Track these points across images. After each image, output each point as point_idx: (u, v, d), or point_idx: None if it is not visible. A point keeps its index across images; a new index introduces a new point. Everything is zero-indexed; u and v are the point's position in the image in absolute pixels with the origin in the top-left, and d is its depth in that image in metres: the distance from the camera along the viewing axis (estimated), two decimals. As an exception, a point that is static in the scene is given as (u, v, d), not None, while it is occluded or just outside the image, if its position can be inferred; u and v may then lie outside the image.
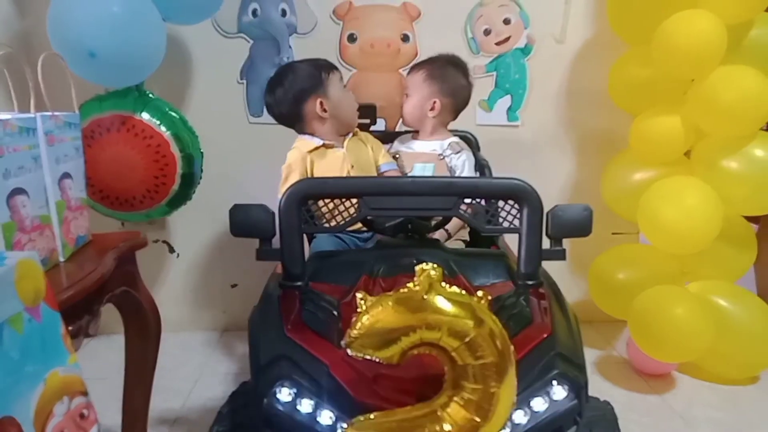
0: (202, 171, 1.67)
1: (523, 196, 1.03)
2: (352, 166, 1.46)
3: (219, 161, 1.82)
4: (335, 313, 0.95)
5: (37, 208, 0.86)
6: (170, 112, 1.57)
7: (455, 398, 0.74)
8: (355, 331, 0.74)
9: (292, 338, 0.92)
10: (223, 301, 2.02)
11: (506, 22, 1.85)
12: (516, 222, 1.06)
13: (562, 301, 1.07)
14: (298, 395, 0.84)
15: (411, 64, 1.83)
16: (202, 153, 1.66)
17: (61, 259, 0.94)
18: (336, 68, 1.50)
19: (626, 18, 1.68)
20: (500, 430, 0.75)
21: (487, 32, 1.85)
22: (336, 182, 1.13)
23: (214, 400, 1.58)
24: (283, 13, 1.80)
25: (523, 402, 0.84)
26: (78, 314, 0.89)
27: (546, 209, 1.06)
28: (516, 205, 1.05)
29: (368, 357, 0.74)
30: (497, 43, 1.86)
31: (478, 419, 0.73)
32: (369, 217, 1.13)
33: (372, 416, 0.76)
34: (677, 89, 1.61)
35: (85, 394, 0.55)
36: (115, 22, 1.29)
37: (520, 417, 0.83)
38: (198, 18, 1.56)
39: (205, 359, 1.83)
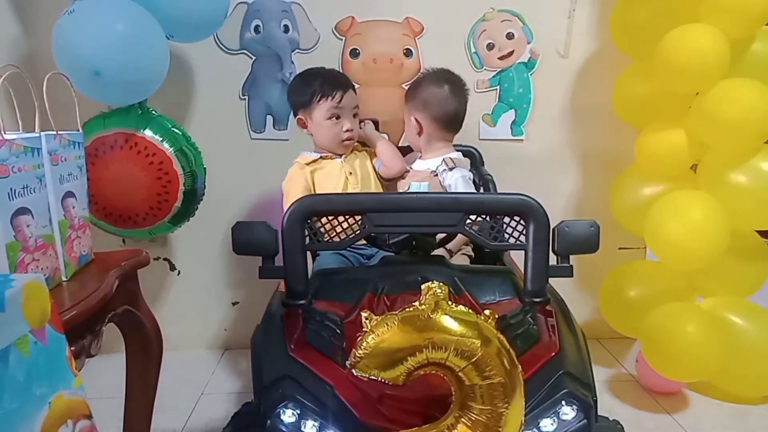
0: (204, 187, 1.67)
1: (530, 212, 1.02)
2: (351, 173, 1.46)
3: (221, 177, 1.82)
4: (339, 332, 0.94)
5: (41, 228, 0.85)
6: (173, 129, 1.57)
7: (462, 419, 0.72)
8: (360, 351, 0.72)
9: (295, 358, 0.90)
10: (224, 319, 2.01)
11: (509, 36, 1.85)
12: (522, 238, 1.04)
13: (569, 318, 1.05)
14: (302, 416, 0.82)
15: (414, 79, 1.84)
16: (204, 169, 1.66)
17: (64, 279, 0.93)
18: (338, 91, 1.45)
19: (628, 32, 1.68)
20: (510, 452, 0.73)
21: (490, 47, 1.85)
22: (339, 198, 1.12)
23: (216, 420, 1.56)
24: (286, 29, 1.80)
25: (531, 423, 0.82)
26: (80, 334, 0.88)
27: (552, 225, 1.05)
28: (522, 221, 1.04)
29: (374, 378, 0.72)
30: (500, 58, 1.86)
31: (486, 441, 0.71)
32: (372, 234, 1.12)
33: (377, 439, 0.74)
34: (681, 103, 1.60)
35: (89, 417, 0.54)
36: (120, 41, 1.30)
37: (529, 438, 0.81)
38: (201, 35, 1.57)
39: (207, 378, 1.81)
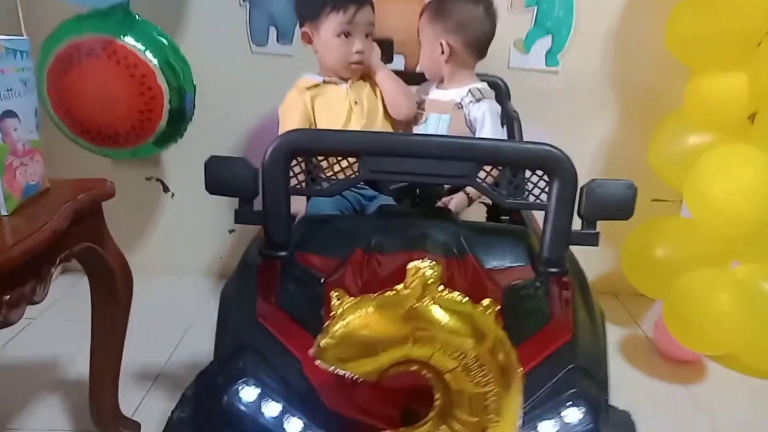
0: (194, 106, 1.52)
1: (556, 166, 0.86)
2: (356, 103, 1.28)
3: (217, 94, 1.66)
4: (317, 295, 0.81)
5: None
6: (159, 38, 1.40)
7: (442, 427, 0.60)
8: (326, 339, 0.59)
9: (263, 324, 0.78)
10: (221, 246, 1.91)
11: (554, -53, 1.58)
12: (543, 196, 0.88)
13: (588, 295, 0.91)
14: (263, 395, 0.71)
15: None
16: (194, 86, 1.50)
17: (4, 213, 0.81)
18: (352, 5, 1.23)
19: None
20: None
21: (530, -41, 1.60)
22: (331, 136, 0.95)
23: (201, 355, 1.48)
24: (296, -75, 1.56)
25: (528, 423, 0.70)
26: (20, 279, 0.77)
27: (580, 178, 0.88)
28: (545, 177, 0.88)
29: (341, 371, 0.60)
30: (541, -27, 1.61)
31: (470, 456, 0.59)
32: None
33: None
34: (746, 42, 1.36)
35: None
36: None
37: (526, 443, 0.69)
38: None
39: (198, 307, 1.73)
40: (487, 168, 0.90)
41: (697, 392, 1.47)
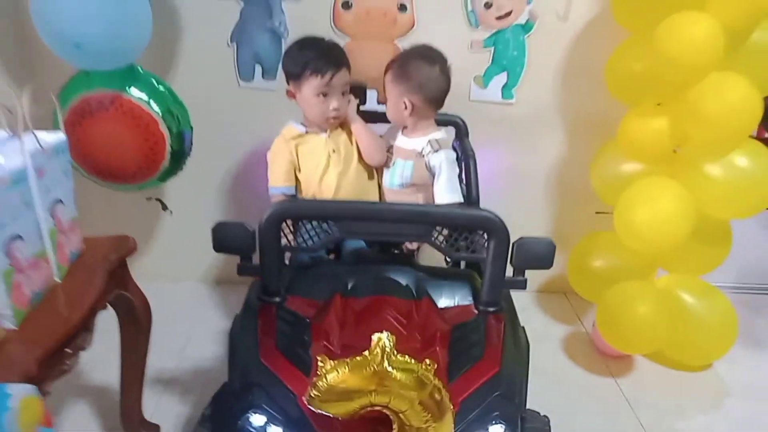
0: (192, 144, 1.70)
1: (493, 228, 1.09)
2: (334, 151, 1.49)
3: (210, 124, 1.84)
4: (306, 338, 1.04)
5: (33, 247, 0.93)
6: (159, 87, 1.58)
7: (400, 448, 0.85)
8: (314, 392, 0.83)
9: (265, 365, 1.02)
10: (215, 256, 2.11)
11: (509, -5, 1.77)
12: (482, 249, 1.13)
13: (516, 329, 1.16)
14: (268, 422, 0.95)
15: (407, 34, 1.81)
16: (191, 128, 1.69)
17: (57, 280, 1.02)
18: (329, 70, 1.41)
19: (629, 6, 1.62)
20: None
21: (488, 5, 1.79)
22: (312, 205, 1.18)
23: (205, 361, 1.73)
24: (277, -24, 1.73)
25: (463, 440, 0.95)
26: (76, 334, 0.99)
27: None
28: (485, 235, 1.11)
29: (326, 413, 0.84)
30: (498, 18, 1.80)
31: (417, 467, 0.85)
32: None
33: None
34: (670, 89, 1.59)
35: None
36: (99, 10, 1.27)
37: (460, 454, 0.95)
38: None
39: (199, 314, 1.96)
40: (439, 228, 1.14)
41: (624, 383, 1.75)
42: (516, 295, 1.27)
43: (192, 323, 1.89)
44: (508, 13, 1.79)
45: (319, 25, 1.76)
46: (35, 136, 0.96)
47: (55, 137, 1.03)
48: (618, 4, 1.65)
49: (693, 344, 1.76)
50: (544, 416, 1.19)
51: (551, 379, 1.69)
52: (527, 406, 1.10)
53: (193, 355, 1.75)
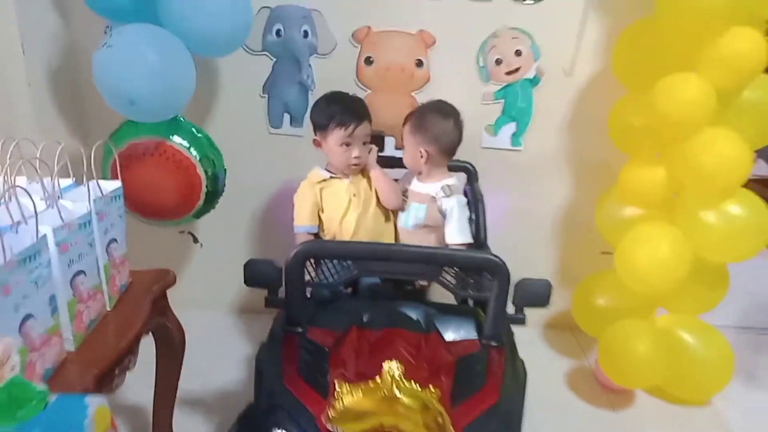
0: (224, 186, 1.87)
1: (496, 269, 1.22)
2: (354, 195, 1.63)
3: (243, 166, 2.00)
4: (325, 366, 1.17)
5: (92, 281, 1.08)
6: (197, 134, 1.75)
7: (406, 464, 0.97)
8: (333, 413, 0.96)
9: (288, 389, 1.14)
10: (241, 286, 2.26)
11: (518, 53, 1.93)
12: (487, 288, 1.25)
13: (515, 362, 1.27)
14: (290, 439, 1.08)
15: (423, 88, 1.96)
16: (225, 170, 1.85)
17: (108, 309, 1.17)
18: (353, 123, 1.56)
19: (628, 67, 1.76)
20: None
21: (498, 62, 1.94)
22: (334, 246, 1.32)
23: (229, 384, 1.86)
24: (305, 34, 1.91)
25: (465, 460, 1.06)
26: (123, 358, 1.13)
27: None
28: (489, 276, 1.24)
29: (341, 431, 0.96)
30: (507, 73, 1.95)
31: (422, 484, 0.96)
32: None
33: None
34: (667, 141, 1.71)
35: None
36: (151, 74, 1.45)
37: (461, 473, 1.06)
38: (227, 51, 1.69)
39: (224, 340, 2.10)
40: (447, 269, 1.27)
41: (625, 416, 1.83)
42: (524, 330, 1.38)
43: (217, 349, 2.03)
44: (517, 69, 1.95)
45: (344, 79, 1.93)
46: (98, 184, 1.12)
47: (113, 184, 1.19)
48: (618, 64, 1.79)
49: (691, 380, 1.84)
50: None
51: (555, 411, 1.78)
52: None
53: (217, 378, 1.88)
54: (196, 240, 2.20)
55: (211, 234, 2.20)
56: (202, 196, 1.75)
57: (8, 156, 1.05)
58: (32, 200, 0.90)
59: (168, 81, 1.49)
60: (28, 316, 0.87)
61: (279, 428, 1.08)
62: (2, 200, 0.96)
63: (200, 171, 1.71)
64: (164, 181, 1.68)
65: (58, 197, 1.05)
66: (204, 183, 1.73)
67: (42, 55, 1.79)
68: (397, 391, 0.94)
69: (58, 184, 1.05)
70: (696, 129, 1.60)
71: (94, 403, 0.69)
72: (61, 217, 0.98)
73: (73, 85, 1.92)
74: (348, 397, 0.95)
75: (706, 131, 1.60)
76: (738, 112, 1.64)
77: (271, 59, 1.94)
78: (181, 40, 1.52)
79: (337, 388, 0.96)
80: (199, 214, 1.83)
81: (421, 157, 1.61)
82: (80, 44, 1.87)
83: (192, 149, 1.70)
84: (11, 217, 0.92)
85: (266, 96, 1.99)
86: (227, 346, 2.07)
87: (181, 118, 1.73)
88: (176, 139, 1.69)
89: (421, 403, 0.95)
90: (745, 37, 1.51)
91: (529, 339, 2.16)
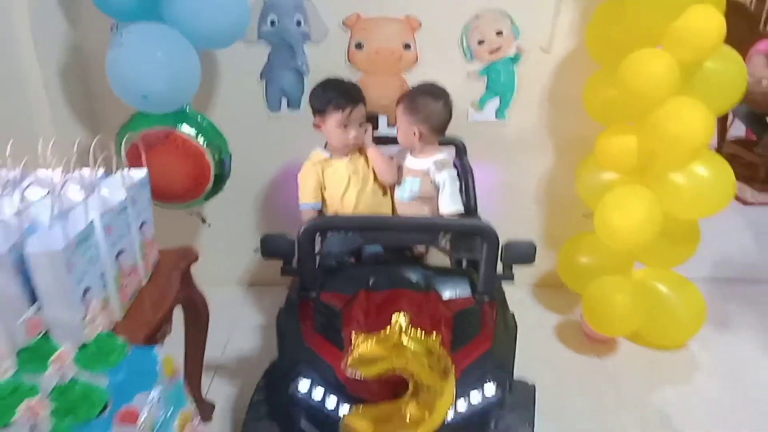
0: (230, 169, 2.00)
1: (485, 234, 1.37)
2: (354, 173, 1.77)
3: (244, 148, 2.11)
4: (338, 322, 1.33)
5: (132, 258, 1.22)
6: (203, 123, 1.87)
7: (414, 400, 1.13)
8: (350, 359, 1.12)
9: (308, 344, 1.30)
10: (248, 262, 2.43)
11: (499, 33, 2.06)
12: (478, 250, 1.40)
13: (506, 314, 1.44)
14: (312, 386, 1.24)
15: (412, 69, 2.09)
16: (230, 155, 1.98)
17: (144, 284, 1.31)
18: (349, 106, 1.69)
19: (599, 44, 1.90)
20: (442, 421, 1.15)
21: (481, 42, 2.07)
22: (341, 219, 1.47)
23: (245, 351, 2.02)
24: (298, 23, 2.03)
25: (464, 394, 1.23)
26: (160, 326, 1.28)
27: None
28: (479, 239, 1.39)
29: (359, 376, 1.12)
30: (490, 52, 2.09)
31: (427, 414, 1.13)
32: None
33: (362, 408, 1.16)
34: (637, 112, 1.86)
35: (195, 418, 0.94)
36: (162, 69, 1.57)
37: (462, 405, 1.23)
38: (228, 43, 1.81)
39: (237, 312, 2.26)
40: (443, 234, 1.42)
41: (608, 362, 2.02)
42: (515, 290, 1.54)
43: (231, 320, 2.18)
44: (499, 48, 2.08)
45: (336, 63, 2.06)
46: (129, 173, 1.26)
47: (141, 173, 1.32)
48: (591, 42, 1.93)
49: (667, 327, 2.03)
50: (531, 384, 1.47)
51: (544, 362, 1.95)
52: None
53: (235, 346, 2.04)
54: (204, 221, 2.33)
55: (217, 215, 2.34)
56: (211, 180, 1.88)
57: (47, 152, 1.18)
58: (82, 189, 1.04)
59: (176, 75, 1.61)
60: (87, 289, 1.02)
61: (302, 377, 1.25)
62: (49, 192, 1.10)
63: (208, 157, 1.84)
64: (175, 168, 1.81)
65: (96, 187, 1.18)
66: (212, 168, 1.86)
67: (53, 54, 1.90)
68: (404, 339, 1.10)
69: (97, 175, 1.18)
70: (662, 99, 1.75)
71: (161, 352, 0.84)
72: (104, 204, 1.12)
73: (82, 81, 2.03)
74: (363, 345, 1.11)
75: (671, 101, 1.75)
76: (700, 82, 1.79)
77: (267, 47, 2.06)
78: (185, 37, 1.63)
79: (353, 339, 1.12)
80: (208, 197, 1.96)
81: (414, 135, 1.74)
82: (87, 43, 1.98)
83: (199, 137, 1.83)
84: (57, 207, 1.06)
85: (264, 82, 2.11)
86: (240, 318, 2.23)
87: (188, 108, 1.85)
88: (184, 128, 1.82)
89: (426, 348, 1.11)
90: (705, 14, 1.66)
91: (519, 298, 2.35)
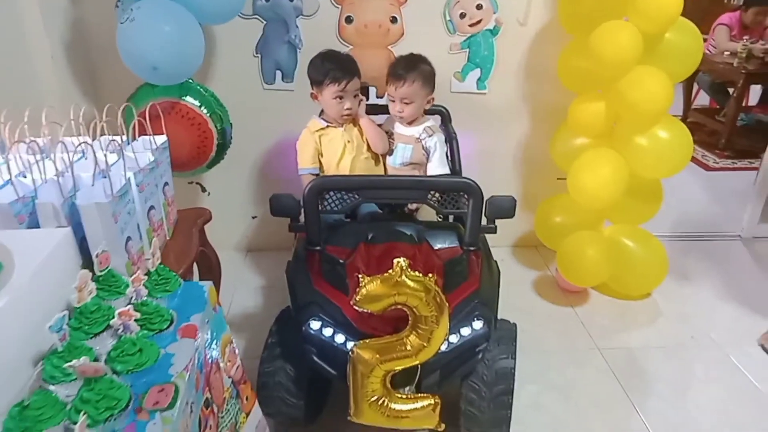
0: (231, 138, 2.13)
1: (471, 191, 1.53)
2: (349, 141, 1.91)
3: (242, 119, 2.24)
4: (342, 271, 1.49)
5: (159, 214, 1.36)
6: (205, 94, 1.99)
7: (413, 332, 1.31)
8: (358, 297, 1.28)
9: (317, 289, 1.47)
10: (246, 228, 2.57)
11: (479, 7, 2.21)
12: (464, 207, 1.57)
13: (490, 261, 1.62)
14: (323, 325, 1.41)
15: (398, 42, 2.23)
16: (231, 124, 2.10)
17: (168, 238, 1.46)
18: (345, 79, 1.79)
19: (571, 17, 2.07)
20: (437, 349, 1.32)
21: (462, 15, 2.22)
22: (341, 179, 1.62)
23: (250, 308, 2.18)
24: (291, -2, 2.14)
25: (455, 329, 1.40)
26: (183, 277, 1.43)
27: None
28: (466, 196, 1.56)
29: (366, 310, 1.29)
30: (470, 25, 2.24)
31: (425, 344, 1.31)
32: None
33: (368, 341, 1.33)
34: (605, 80, 2.04)
35: (232, 342, 1.10)
36: (169, 41, 1.68)
37: (454, 338, 1.40)
38: (228, 18, 1.92)
39: (238, 275, 2.41)
40: (432, 192, 1.58)
41: (580, 311, 2.24)
42: (496, 250, 1.72)
43: (233, 282, 2.32)
44: (479, 21, 2.23)
45: (327, 37, 2.18)
46: (153, 138, 1.39)
47: (162, 138, 1.45)
48: (563, 15, 2.09)
49: (633, 278, 2.25)
50: (513, 323, 1.66)
51: (523, 312, 2.15)
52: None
53: (239, 305, 2.20)
54: (204, 189, 2.46)
55: (216, 183, 2.47)
56: (214, 149, 2.01)
57: (79, 118, 1.31)
58: (122, 151, 1.17)
59: (183, 48, 1.73)
60: (129, 238, 1.16)
61: (314, 318, 1.41)
62: (80, 155, 1.23)
63: (211, 126, 1.97)
64: (181, 137, 1.92)
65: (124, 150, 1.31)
66: (215, 137, 1.99)
67: (60, 29, 1.99)
68: (405, 278, 1.27)
69: (129, 139, 1.31)
70: (628, 68, 1.93)
71: (206, 285, 1.00)
72: (137, 164, 1.25)
73: (88, 55, 2.12)
74: (369, 285, 1.27)
75: (635, 69, 1.93)
76: (661, 52, 1.97)
77: (262, 22, 2.17)
78: (190, 11, 1.74)
79: (360, 280, 1.28)
80: (210, 165, 2.09)
81: (429, 103, 1.89)
82: (91, 18, 2.07)
83: (203, 107, 1.95)
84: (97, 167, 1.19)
85: (259, 55, 2.22)
86: (241, 280, 2.38)
87: (191, 80, 1.96)
88: (189, 99, 1.93)
89: (424, 285, 1.28)
90: (665, -12, 1.83)
91: (500, 257, 2.52)
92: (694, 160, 3.88)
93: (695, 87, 4.59)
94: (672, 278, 2.34)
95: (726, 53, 4.09)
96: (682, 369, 1.95)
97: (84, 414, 0.72)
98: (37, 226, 1.07)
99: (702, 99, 4.76)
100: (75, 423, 0.71)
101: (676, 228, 2.79)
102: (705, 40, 4.23)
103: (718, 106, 4.48)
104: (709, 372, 1.94)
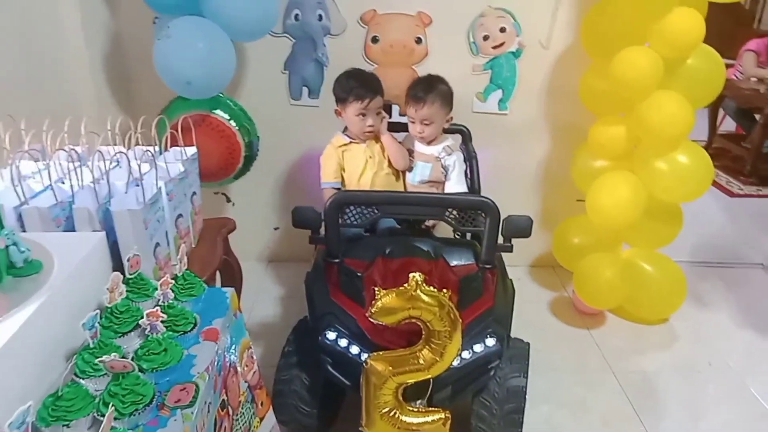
0: (258, 151, 2.19)
1: (488, 209, 1.57)
2: (370, 157, 1.97)
3: (269, 133, 2.31)
4: (360, 284, 1.53)
5: (186, 222, 1.42)
6: (234, 108, 2.07)
7: (427, 346, 1.34)
8: (373, 309, 1.32)
9: (334, 301, 1.51)
10: (268, 239, 2.63)
11: (502, 30, 2.25)
12: (482, 225, 1.61)
13: (505, 280, 1.64)
14: (338, 336, 1.44)
15: (422, 62, 2.28)
16: (258, 137, 2.17)
17: (193, 245, 1.52)
18: (368, 97, 1.85)
19: (593, 41, 2.10)
20: (450, 364, 1.35)
21: (485, 38, 2.27)
22: (363, 195, 1.67)
23: (269, 317, 2.23)
24: (320, 17, 2.22)
25: (469, 346, 1.43)
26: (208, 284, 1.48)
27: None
28: (483, 214, 1.59)
29: (380, 323, 1.33)
30: (494, 47, 2.28)
31: (438, 358, 1.33)
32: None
33: (382, 353, 1.36)
34: (626, 103, 2.06)
35: (251, 347, 1.15)
36: (203, 58, 1.76)
37: (466, 354, 1.43)
38: (259, 36, 2.00)
39: (258, 284, 2.46)
40: (450, 210, 1.62)
41: (595, 333, 2.24)
42: (513, 269, 1.75)
43: (254, 291, 2.38)
44: (502, 44, 2.27)
45: (354, 56, 2.25)
46: (183, 149, 1.46)
47: (192, 150, 1.52)
48: (586, 38, 2.13)
49: (651, 303, 2.24)
50: (526, 342, 1.68)
51: (539, 332, 2.15)
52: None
53: (259, 314, 2.25)
54: (228, 200, 2.53)
55: (240, 194, 2.54)
56: (242, 161, 2.08)
57: (115, 129, 1.38)
58: (154, 161, 1.24)
59: (215, 64, 1.80)
60: (157, 244, 1.22)
61: (330, 328, 1.45)
62: (115, 163, 1.30)
63: (239, 139, 2.04)
64: (210, 149, 2.00)
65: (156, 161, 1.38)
66: (242, 149, 2.06)
67: (99, 43, 2.09)
68: (420, 292, 1.30)
69: (161, 150, 1.38)
70: (648, 92, 1.95)
71: (229, 291, 1.05)
72: (168, 174, 1.32)
73: (124, 68, 2.22)
74: (385, 298, 1.31)
75: (655, 94, 1.95)
76: (682, 77, 1.99)
77: (291, 40, 2.25)
78: (223, 29, 1.82)
79: (376, 293, 1.32)
80: (237, 176, 2.16)
81: (448, 122, 1.94)
82: (129, 33, 2.17)
83: (232, 120, 2.03)
84: (131, 176, 1.26)
85: (287, 72, 2.30)
86: (262, 290, 2.43)
87: (221, 94, 2.04)
88: (219, 112, 2.01)
89: (438, 300, 1.31)
90: (687, 16, 1.85)
91: (517, 276, 2.56)
92: (718, 186, 3.84)
93: (721, 113, 4.55)
94: (690, 303, 2.33)
95: (753, 79, 4.07)
96: (697, 394, 1.94)
97: (111, 407, 0.76)
98: (73, 230, 1.14)
99: (728, 125, 4.72)
100: (102, 415, 0.76)
101: (696, 254, 2.77)
102: (732, 66, 4.23)
103: (743, 132, 4.44)
104: (724, 398, 1.93)
